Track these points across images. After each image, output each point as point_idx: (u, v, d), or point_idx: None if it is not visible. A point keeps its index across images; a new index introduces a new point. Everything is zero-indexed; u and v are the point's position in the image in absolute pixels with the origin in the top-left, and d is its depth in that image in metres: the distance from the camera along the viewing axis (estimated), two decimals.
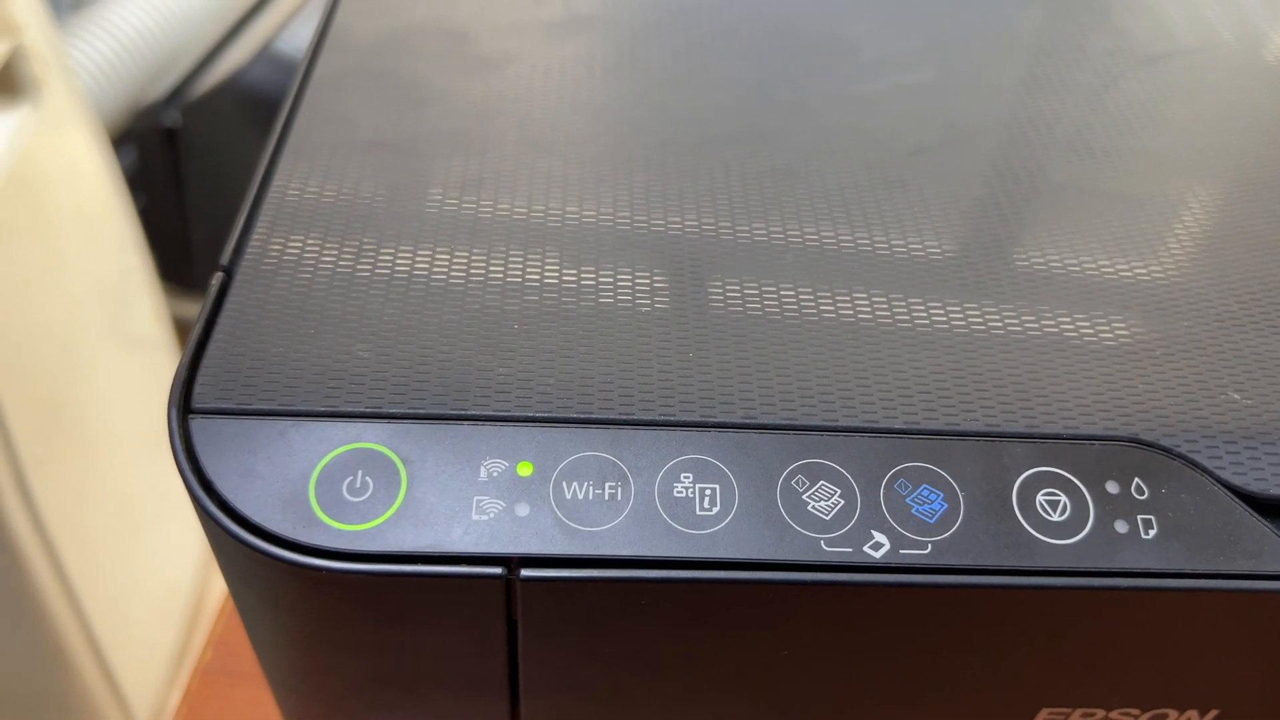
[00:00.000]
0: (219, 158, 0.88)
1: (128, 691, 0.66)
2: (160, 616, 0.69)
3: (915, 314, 0.26)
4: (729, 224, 0.29)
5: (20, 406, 0.56)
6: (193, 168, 1.00)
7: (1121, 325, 0.27)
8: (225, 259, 0.26)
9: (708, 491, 0.23)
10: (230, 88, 1.00)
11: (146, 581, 0.69)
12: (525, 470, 0.22)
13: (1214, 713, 0.27)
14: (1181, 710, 0.27)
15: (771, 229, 0.28)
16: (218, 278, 0.25)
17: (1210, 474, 0.24)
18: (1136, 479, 0.23)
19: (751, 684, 0.25)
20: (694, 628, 0.23)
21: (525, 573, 0.21)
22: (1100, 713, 0.26)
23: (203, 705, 0.39)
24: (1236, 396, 0.25)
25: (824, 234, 0.28)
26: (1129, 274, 0.28)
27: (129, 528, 0.67)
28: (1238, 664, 0.25)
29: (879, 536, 0.22)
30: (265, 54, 0.87)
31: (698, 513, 0.22)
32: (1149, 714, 0.27)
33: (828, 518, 0.22)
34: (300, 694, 0.27)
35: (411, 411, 0.23)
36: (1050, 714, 0.26)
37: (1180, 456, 0.24)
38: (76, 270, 0.63)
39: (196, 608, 0.44)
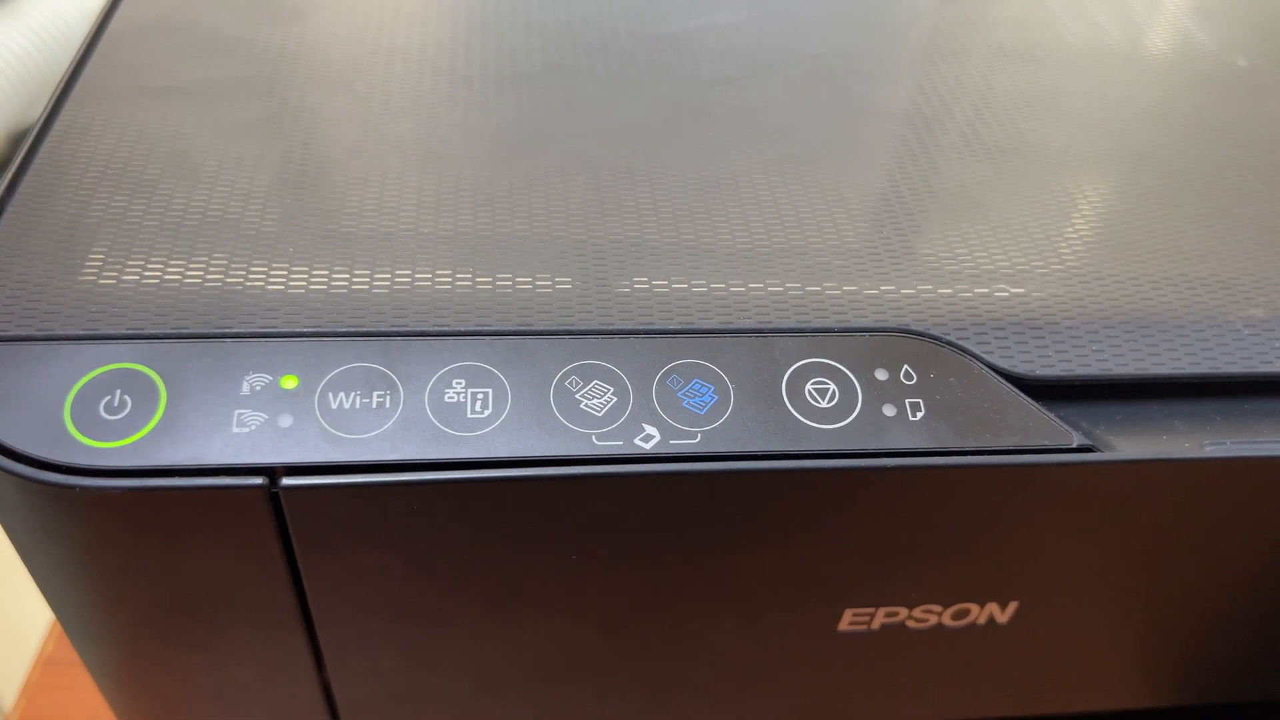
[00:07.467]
0: None
1: None
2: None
3: (698, 222, 0.27)
4: (519, 149, 0.29)
5: None
6: None
7: (897, 225, 0.27)
8: None
9: (480, 396, 0.23)
10: None
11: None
12: (290, 383, 0.22)
13: (1014, 604, 0.27)
14: (982, 604, 0.27)
15: (565, 153, 0.29)
16: None
17: (978, 359, 0.24)
18: (905, 366, 0.24)
19: (549, 593, 0.25)
20: (477, 534, 0.23)
21: (287, 481, 0.21)
22: (903, 612, 0.27)
23: (44, 695, 0.38)
24: (1006, 287, 0.26)
25: (616, 156, 0.29)
26: (905, 179, 0.29)
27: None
28: (1028, 553, 0.26)
29: (649, 429, 0.22)
30: None
31: (469, 416, 0.22)
32: (950, 610, 0.27)
33: (600, 414, 0.22)
34: (98, 641, 0.26)
35: (174, 332, 0.23)
36: (855, 615, 0.27)
37: (949, 344, 0.24)
38: None
39: None
